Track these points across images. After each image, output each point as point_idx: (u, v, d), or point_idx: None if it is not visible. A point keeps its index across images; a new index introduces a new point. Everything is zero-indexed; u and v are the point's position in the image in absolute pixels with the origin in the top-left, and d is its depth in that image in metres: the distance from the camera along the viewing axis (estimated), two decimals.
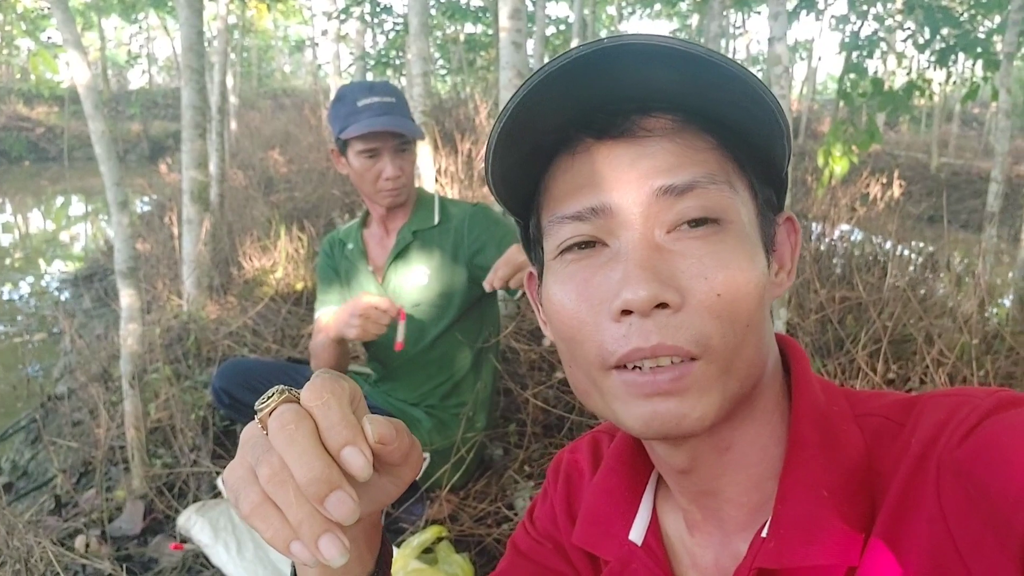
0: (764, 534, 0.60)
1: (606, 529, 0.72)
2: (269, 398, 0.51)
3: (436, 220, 2.23)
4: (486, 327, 2.35)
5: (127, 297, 2.51)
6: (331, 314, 2.14)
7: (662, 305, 0.54)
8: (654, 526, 0.72)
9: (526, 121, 0.57)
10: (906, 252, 4.33)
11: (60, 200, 13.05)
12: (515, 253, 1.78)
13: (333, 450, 0.48)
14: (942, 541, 0.52)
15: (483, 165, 0.62)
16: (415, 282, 2.24)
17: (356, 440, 0.48)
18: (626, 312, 0.55)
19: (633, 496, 0.73)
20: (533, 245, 0.68)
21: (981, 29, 6.06)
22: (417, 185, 2.37)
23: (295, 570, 0.64)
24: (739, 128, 0.59)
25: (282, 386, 0.52)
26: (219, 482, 2.37)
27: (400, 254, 2.25)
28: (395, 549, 2.00)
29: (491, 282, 1.77)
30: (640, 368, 0.55)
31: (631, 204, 0.57)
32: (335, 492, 0.46)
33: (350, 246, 2.34)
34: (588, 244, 0.59)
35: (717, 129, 0.59)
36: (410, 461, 0.56)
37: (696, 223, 0.57)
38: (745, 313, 0.56)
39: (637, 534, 0.71)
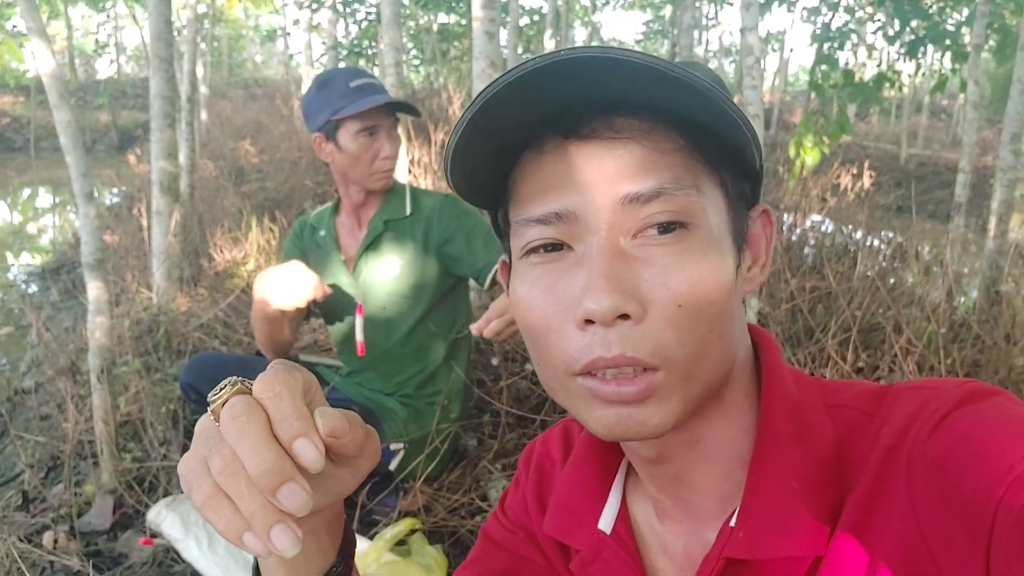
0: (732, 523, 0.61)
1: (576, 518, 0.73)
2: (221, 389, 0.51)
3: (408, 211, 2.22)
4: (459, 317, 2.35)
5: (94, 290, 2.48)
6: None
7: (624, 316, 0.54)
8: (623, 515, 0.72)
9: (487, 126, 0.56)
10: (876, 242, 4.37)
11: (27, 191, 12.85)
12: (505, 304, 1.77)
13: (285, 442, 0.48)
14: (911, 533, 0.52)
15: (443, 167, 0.61)
16: (387, 273, 2.23)
17: (308, 432, 0.48)
18: (589, 321, 0.55)
19: (603, 485, 0.74)
20: (504, 234, 0.67)
21: (950, 22, 6.13)
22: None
23: (257, 563, 0.64)
24: (708, 128, 0.58)
25: (235, 378, 0.52)
26: None
27: (371, 244, 2.24)
28: (368, 541, 2.00)
29: (480, 329, 1.76)
30: (604, 376, 0.56)
31: (596, 211, 0.56)
32: (287, 484, 0.46)
33: (322, 233, 2.32)
34: (554, 247, 0.59)
35: (686, 129, 0.58)
36: (367, 452, 0.56)
37: (662, 229, 0.56)
38: (707, 320, 0.56)
39: (607, 523, 0.71)
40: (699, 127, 0.58)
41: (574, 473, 0.75)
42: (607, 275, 0.54)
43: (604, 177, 0.56)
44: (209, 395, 0.51)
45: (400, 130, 2.32)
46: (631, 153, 0.56)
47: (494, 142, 0.59)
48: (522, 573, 0.80)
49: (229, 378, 0.52)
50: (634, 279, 0.55)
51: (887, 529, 0.54)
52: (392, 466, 2.20)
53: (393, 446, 2.19)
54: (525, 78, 0.53)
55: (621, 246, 0.56)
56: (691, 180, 0.57)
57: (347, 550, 0.65)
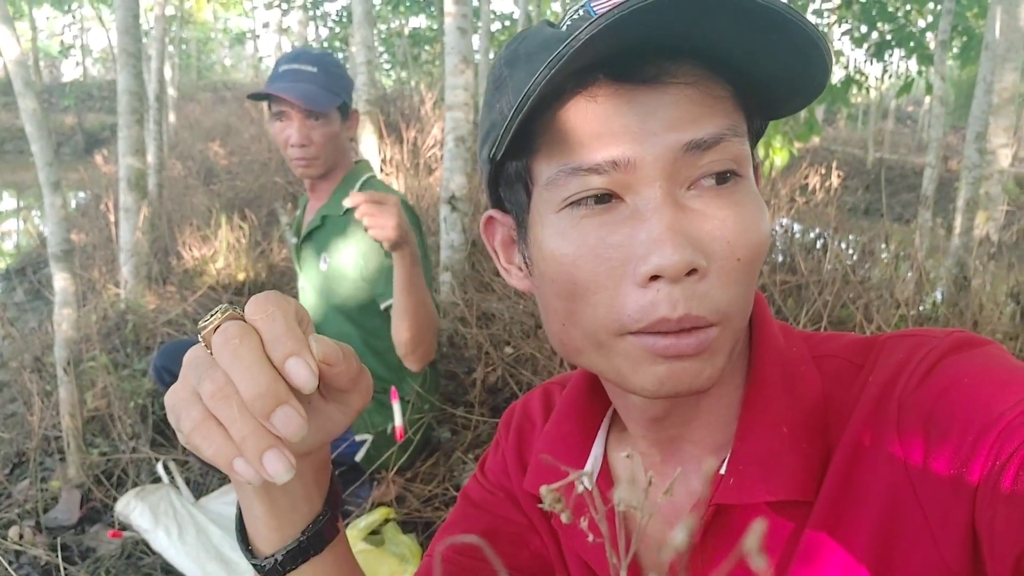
0: (723, 471, 0.61)
1: (557, 474, 0.72)
2: (212, 315, 0.50)
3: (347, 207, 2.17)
4: None
5: (61, 281, 2.44)
6: None
7: (692, 271, 0.52)
8: (605, 471, 0.72)
9: (570, 64, 0.50)
10: (845, 242, 4.43)
11: None
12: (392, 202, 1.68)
13: (278, 362, 0.47)
14: (899, 479, 0.53)
15: (517, 105, 0.53)
16: (317, 267, 2.21)
17: (301, 351, 0.47)
18: (655, 277, 0.52)
19: (585, 441, 0.73)
20: (511, 184, 0.62)
21: (915, 27, 6.23)
22: (360, 159, 2.31)
23: (241, 513, 0.62)
24: (764, 77, 0.55)
25: (226, 304, 0.51)
26: (159, 468, 2.32)
27: (310, 235, 2.22)
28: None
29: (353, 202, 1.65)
30: (661, 332, 0.53)
31: (655, 158, 0.53)
32: (282, 407, 0.45)
33: (299, 210, 2.33)
34: (602, 199, 0.55)
35: (736, 77, 0.56)
36: (359, 388, 0.55)
37: (719, 179, 0.55)
38: (755, 273, 0.56)
39: (588, 479, 0.71)
40: (749, 77, 0.56)
41: (555, 430, 0.75)
42: (674, 228, 0.52)
43: (662, 124, 0.53)
44: (200, 322, 0.50)
45: (371, 127, 2.28)
46: (688, 99, 0.53)
47: (555, 81, 0.52)
48: (502, 533, 0.79)
49: (220, 305, 0.51)
50: (696, 232, 0.53)
51: (875, 475, 0.54)
52: (358, 457, 2.17)
53: (358, 438, 2.17)
54: (634, 15, 0.48)
55: (678, 198, 0.54)
56: (742, 129, 0.56)
57: (333, 500, 0.64)
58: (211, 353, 0.48)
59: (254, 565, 0.61)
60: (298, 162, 2.10)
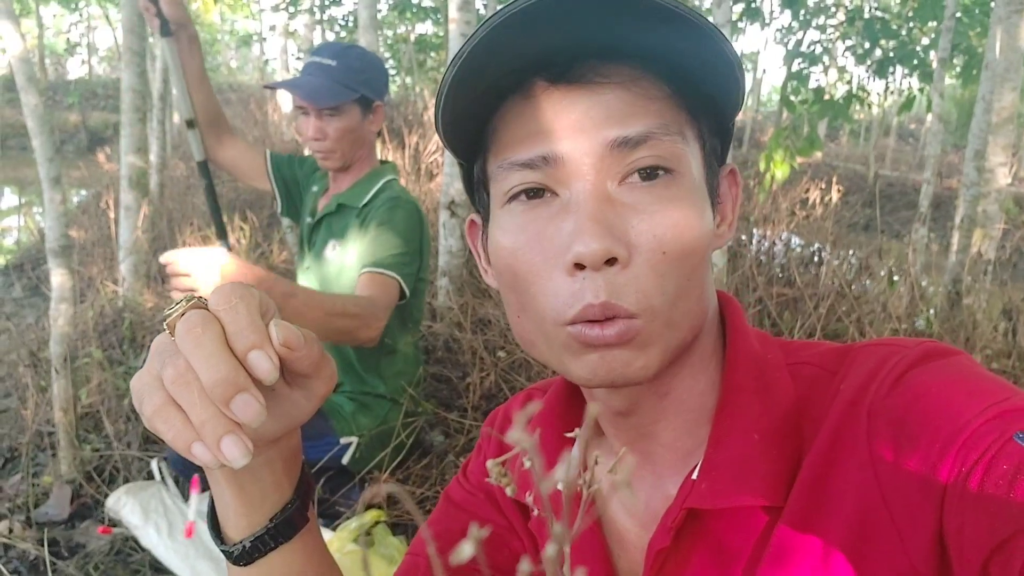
0: (695, 476, 0.61)
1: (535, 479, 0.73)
2: (177, 304, 0.51)
3: (364, 201, 2.21)
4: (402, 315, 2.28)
5: (58, 276, 2.44)
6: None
7: (611, 261, 0.54)
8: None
9: (483, 63, 0.56)
10: (842, 254, 4.43)
11: None
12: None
13: (240, 353, 0.48)
14: (868, 486, 0.53)
15: (434, 112, 0.60)
16: (324, 253, 2.25)
17: (263, 344, 0.48)
18: (579, 266, 0.55)
19: (562, 444, 0.74)
20: (477, 188, 0.67)
21: (919, 45, 6.26)
22: (387, 160, 2.36)
23: (212, 502, 0.63)
24: (695, 77, 0.59)
25: (190, 293, 0.52)
26: (153, 466, 2.32)
27: (323, 219, 2.26)
28: (332, 533, 1.98)
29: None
30: (589, 321, 0.56)
31: (583, 155, 0.56)
32: (240, 394, 0.46)
33: (315, 188, 2.38)
34: (537, 193, 0.58)
35: (672, 78, 0.59)
36: (322, 374, 0.56)
37: (648, 175, 0.57)
38: (688, 268, 0.57)
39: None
40: (685, 76, 0.59)
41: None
42: (596, 218, 0.55)
43: (592, 122, 0.56)
44: (165, 310, 0.51)
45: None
46: (619, 99, 0.57)
47: (485, 83, 0.58)
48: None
49: (185, 295, 0.52)
50: (621, 224, 0.55)
51: (845, 481, 0.55)
52: (345, 460, 2.18)
53: (344, 440, 2.18)
54: (523, 13, 0.52)
55: (608, 191, 0.57)
56: (676, 127, 0.58)
57: (303, 489, 0.65)
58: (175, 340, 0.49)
59: (223, 551, 0.62)
60: (316, 154, 2.19)
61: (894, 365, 0.56)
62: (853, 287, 3.09)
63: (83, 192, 9.19)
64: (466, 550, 0.24)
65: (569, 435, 0.59)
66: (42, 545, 2.07)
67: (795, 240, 5.04)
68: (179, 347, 0.48)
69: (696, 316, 0.60)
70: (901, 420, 0.53)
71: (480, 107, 0.60)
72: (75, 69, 28.73)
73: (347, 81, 2.14)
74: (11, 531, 2.15)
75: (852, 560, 0.53)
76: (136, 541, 2.06)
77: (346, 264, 2.19)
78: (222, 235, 2.28)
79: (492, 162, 0.62)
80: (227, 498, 0.60)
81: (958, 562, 0.48)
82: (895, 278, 3.24)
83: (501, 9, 0.53)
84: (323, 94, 2.10)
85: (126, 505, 2.06)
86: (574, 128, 0.56)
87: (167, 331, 0.51)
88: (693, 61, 0.57)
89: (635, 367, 0.56)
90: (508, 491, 0.38)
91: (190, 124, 2.25)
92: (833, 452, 0.56)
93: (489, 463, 0.38)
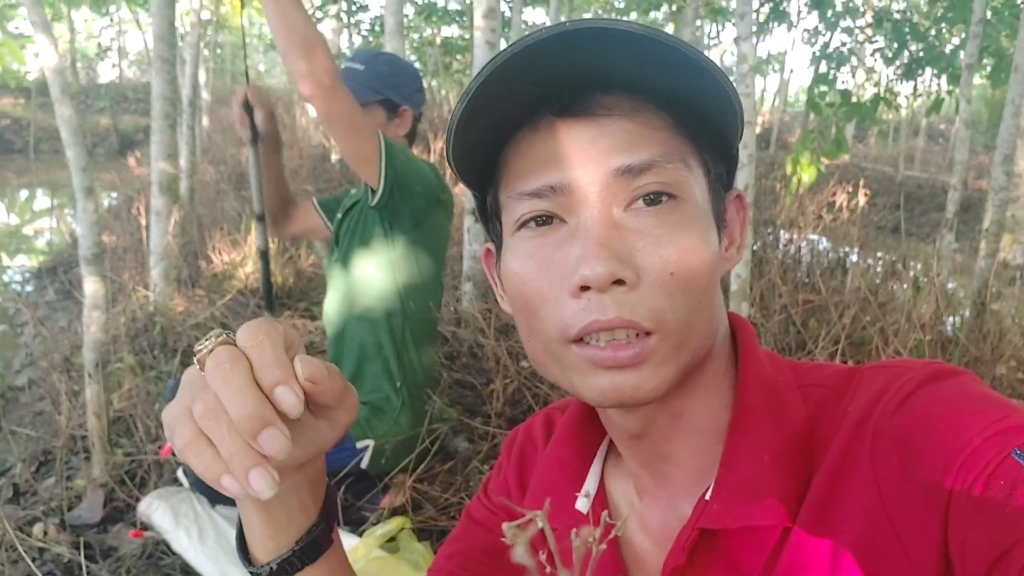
0: (708, 496, 0.63)
1: (555, 497, 0.74)
2: (207, 340, 0.53)
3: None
4: (393, 319, 2.29)
5: (91, 284, 2.49)
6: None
7: (619, 282, 0.56)
8: (600, 495, 0.74)
9: (491, 99, 0.58)
10: (869, 260, 4.40)
11: (25, 193, 12.84)
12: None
13: (266, 388, 0.50)
14: (874, 505, 0.55)
15: (444, 145, 0.65)
16: (347, 242, 2.28)
17: (288, 380, 0.50)
18: (584, 288, 0.56)
19: (583, 465, 0.75)
20: (490, 218, 0.69)
21: (948, 46, 6.19)
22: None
23: (241, 524, 0.65)
24: (695, 107, 0.60)
25: (219, 329, 0.54)
26: (179, 473, 2.36)
27: (350, 208, 2.31)
28: (357, 538, 2.01)
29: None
30: (599, 343, 0.57)
31: (589, 183, 0.58)
32: (267, 428, 0.48)
33: (353, 191, 2.44)
34: (546, 220, 0.61)
35: (674, 108, 0.61)
36: (345, 404, 0.58)
37: (652, 200, 0.58)
38: (697, 290, 0.58)
39: (583, 503, 0.73)
40: (686, 106, 0.61)
41: (554, 454, 0.77)
42: (601, 243, 0.56)
43: (597, 151, 0.58)
44: (195, 346, 0.54)
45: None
46: (622, 129, 0.59)
47: (493, 117, 0.60)
48: (501, 551, 0.82)
49: (215, 330, 0.54)
50: (628, 248, 0.57)
51: (852, 501, 0.56)
52: (364, 464, 2.20)
53: (359, 444, 2.20)
54: (526, 52, 0.55)
55: (614, 217, 0.58)
56: (679, 155, 0.60)
57: (329, 512, 0.67)
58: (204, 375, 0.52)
59: (252, 573, 0.64)
60: None
61: (900, 387, 0.58)
62: (879, 294, 3.07)
63: (114, 196, 9.31)
64: (519, 552, 0.25)
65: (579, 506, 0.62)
66: (76, 548, 2.11)
67: (822, 243, 5.01)
68: (208, 382, 0.50)
69: (707, 337, 0.61)
70: (905, 440, 0.55)
71: (491, 139, 0.63)
72: (106, 73, 29.14)
73: (371, 84, 2.21)
74: (46, 534, 2.20)
75: None
76: (167, 545, 2.10)
77: (362, 260, 2.24)
78: (270, 307, 2.41)
79: (503, 192, 0.64)
80: (255, 522, 0.62)
81: (963, 574, 0.50)
82: (921, 284, 3.21)
83: (507, 48, 0.55)
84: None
85: (157, 509, 2.09)
86: (580, 158, 0.59)
87: (197, 366, 0.53)
88: (691, 93, 0.59)
89: (645, 390, 0.58)
90: (516, 554, 0.40)
91: (259, 218, 2.33)
92: (841, 472, 0.58)
93: (505, 527, 0.39)
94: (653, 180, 0.58)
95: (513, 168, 0.63)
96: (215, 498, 2.14)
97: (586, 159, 0.58)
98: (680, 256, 0.57)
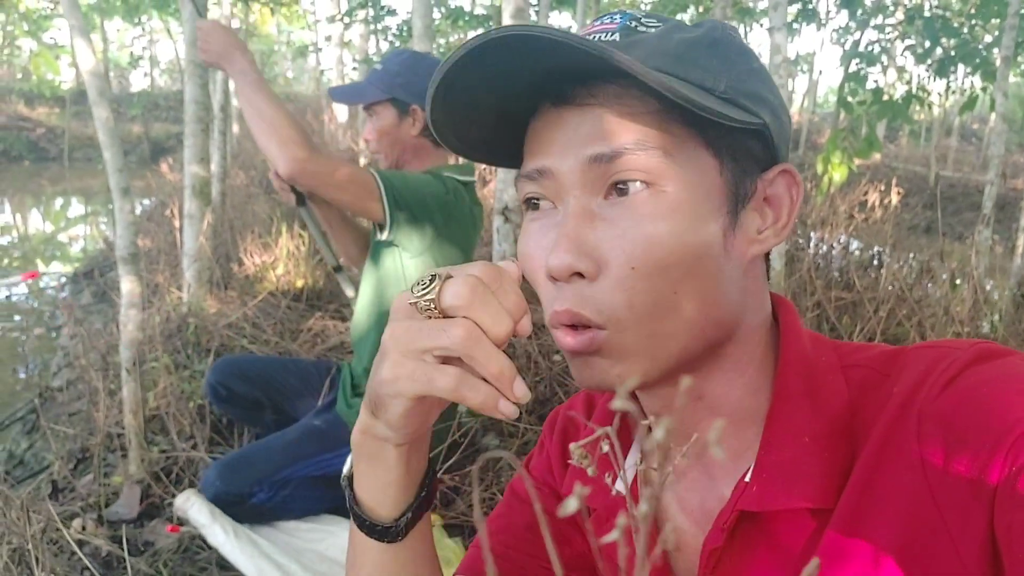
0: (747, 478, 0.63)
1: (594, 479, 0.74)
2: (431, 282, 0.56)
3: None
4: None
5: (128, 283, 2.52)
6: None
7: (580, 274, 0.58)
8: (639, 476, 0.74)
9: (492, 91, 0.62)
10: (902, 259, 4.35)
11: (59, 201, 13.04)
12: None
13: (515, 317, 0.55)
14: (919, 488, 0.54)
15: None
16: (376, 248, 2.29)
17: (527, 310, 0.56)
18: (553, 277, 0.59)
19: (621, 446, 0.75)
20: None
21: (981, 44, 6.10)
22: (453, 161, 2.39)
23: (351, 474, 0.68)
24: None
25: (436, 271, 0.57)
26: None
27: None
28: None
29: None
30: (560, 329, 0.61)
31: (568, 170, 0.60)
32: (516, 379, 0.54)
33: None
34: (537, 203, 0.65)
35: (656, 92, 0.58)
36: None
37: (623, 190, 0.59)
38: (669, 281, 0.58)
39: (622, 484, 0.73)
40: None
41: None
42: (568, 235, 0.59)
43: (578, 139, 0.60)
44: (416, 291, 0.56)
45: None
46: (602, 118, 0.59)
47: (493, 112, 0.65)
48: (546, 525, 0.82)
49: (429, 274, 0.57)
50: (596, 239, 0.59)
51: (895, 483, 0.56)
52: None
53: None
54: (482, 49, 0.56)
55: (592, 207, 0.60)
56: (658, 142, 0.58)
57: (430, 480, 0.69)
58: (437, 316, 0.55)
59: (382, 530, 0.66)
60: (372, 154, 2.30)
61: (946, 367, 0.57)
62: (914, 291, 3.03)
63: (147, 201, 9.43)
64: (571, 504, 0.26)
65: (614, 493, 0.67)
66: (114, 542, 2.14)
67: (854, 243, 4.96)
68: (465, 307, 0.54)
69: (697, 325, 0.60)
70: (951, 422, 0.54)
71: (507, 128, 0.67)
72: (138, 81, 29.55)
73: (380, 83, 2.21)
74: (84, 528, 2.23)
75: (902, 562, 0.54)
76: (203, 539, 2.12)
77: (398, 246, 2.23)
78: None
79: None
80: (394, 476, 0.64)
81: (1009, 560, 0.48)
82: (957, 281, 3.17)
83: (466, 43, 0.57)
84: (348, 94, 2.25)
85: (194, 504, 2.12)
86: (562, 145, 0.61)
87: (421, 308, 0.56)
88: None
89: (612, 375, 0.60)
90: (589, 472, 0.41)
91: (337, 269, 2.39)
92: (884, 454, 0.57)
93: (572, 446, 0.40)
94: (623, 169, 0.58)
95: (524, 152, 0.66)
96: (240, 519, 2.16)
97: (567, 147, 0.60)
98: (645, 249, 0.57)
